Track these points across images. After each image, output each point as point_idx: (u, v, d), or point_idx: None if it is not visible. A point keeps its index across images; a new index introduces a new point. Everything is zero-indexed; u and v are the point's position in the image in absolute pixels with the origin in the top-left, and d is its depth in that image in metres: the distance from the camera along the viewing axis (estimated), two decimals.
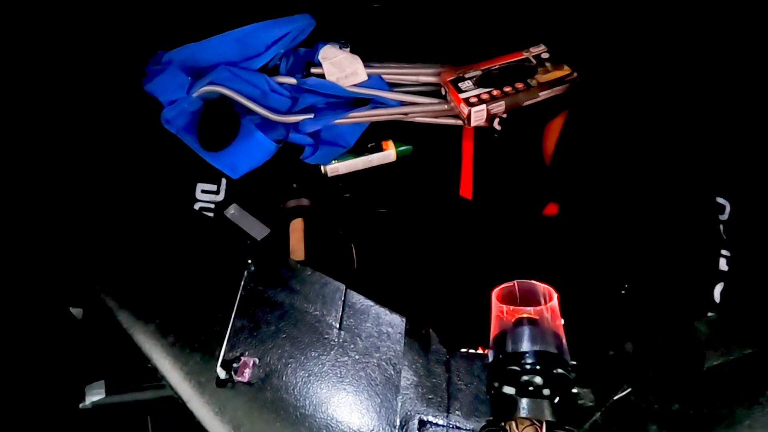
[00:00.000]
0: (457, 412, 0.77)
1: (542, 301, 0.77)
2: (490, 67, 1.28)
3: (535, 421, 0.67)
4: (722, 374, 0.73)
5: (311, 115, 1.23)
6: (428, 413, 0.77)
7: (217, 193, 1.24)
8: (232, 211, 1.21)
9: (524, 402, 0.68)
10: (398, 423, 0.76)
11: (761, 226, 1.16)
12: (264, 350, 0.80)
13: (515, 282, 0.79)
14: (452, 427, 0.76)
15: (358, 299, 0.87)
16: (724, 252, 1.15)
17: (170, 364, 0.81)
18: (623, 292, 1.09)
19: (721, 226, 1.17)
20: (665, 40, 1.21)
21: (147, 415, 0.95)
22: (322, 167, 1.26)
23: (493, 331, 0.77)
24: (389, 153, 1.28)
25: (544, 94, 1.24)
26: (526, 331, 0.72)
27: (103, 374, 0.95)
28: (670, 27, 1.21)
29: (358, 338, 0.83)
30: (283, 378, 0.78)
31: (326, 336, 0.82)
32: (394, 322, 0.86)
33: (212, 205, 1.24)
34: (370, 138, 1.28)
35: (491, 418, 0.71)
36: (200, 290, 0.89)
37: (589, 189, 1.19)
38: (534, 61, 1.28)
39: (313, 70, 1.25)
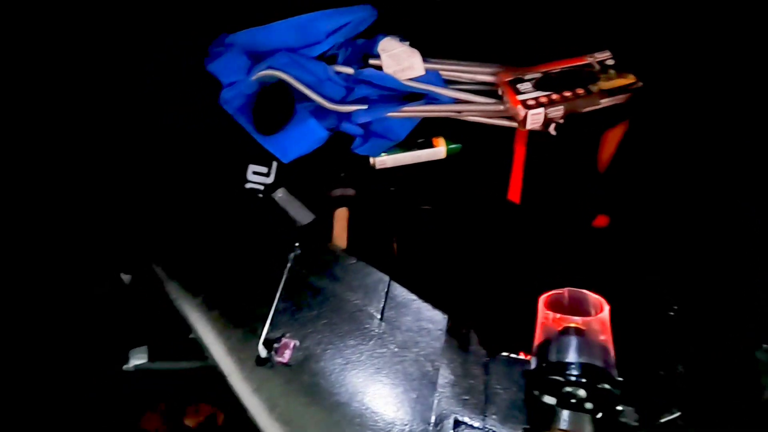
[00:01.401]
0: (493, 416, 0.76)
1: (592, 312, 0.74)
2: (550, 70, 1.25)
3: None
4: None
5: (365, 106, 1.23)
6: (464, 414, 0.76)
7: (267, 175, 1.26)
8: (280, 194, 1.23)
9: (565, 413, 0.66)
10: (433, 420, 0.75)
11: None
12: (304, 334, 0.81)
13: (566, 290, 0.77)
14: (488, 431, 0.75)
15: (400, 292, 0.87)
16: None
17: (213, 338, 0.83)
18: (671, 313, 1.04)
19: None
20: (737, 54, 1.14)
21: (185, 383, 0.99)
22: (370, 159, 1.27)
23: (538, 338, 0.75)
24: (439, 150, 1.27)
25: (605, 102, 1.20)
26: (572, 341, 0.70)
27: (147, 340, 0.99)
28: (742, 41, 1.14)
29: (397, 331, 0.83)
30: (321, 363, 0.79)
31: (366, 326, 0.83)
32: (435, 319, 0.85)
33: (262, 187, 1.26)
34: (421, 133, 1.28)
35: (527, 426, 0.70)
36: (247, 268, 0.91)
37: (643, 203, 1.14)
38: (597, 67, 1.24)
39: (371, 62, 1.25)
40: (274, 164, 1.27)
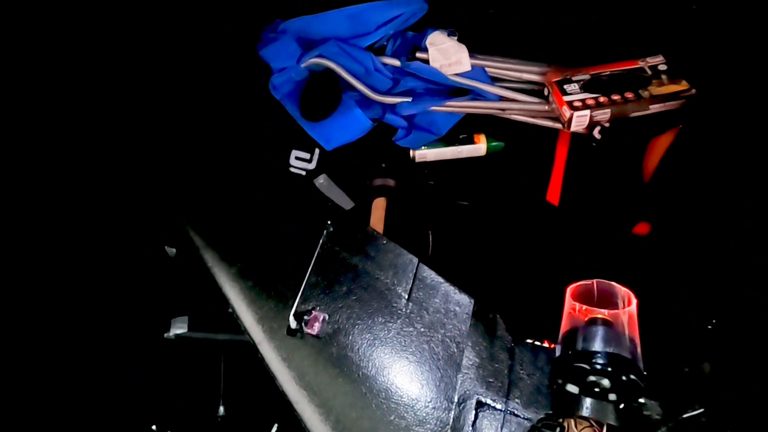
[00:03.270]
0: (516, 400, 0.77)
1: (619, 305, 0.74)
2: (600, 72, 1.23)
3: (594, 423, 0.66)
4: None
5: (409, 99, 1.25)
6: (487, 396, 0.77)
7: (309, 161, 1.30)
8: (321, 180, 1.26)
9: (588, 401, 0.67)
10: (456, 399, 0.77)
11: None
12: (334, 308, 0.84)
13: (594, 281, 0.77)
14: (509, 413, 0.76)
15: (429, 274, 0.89)
16: None
17: (246, 307, 0.86)
18: (710, 327, 1.02)
19: None
20: None
21: (221, 355, 1.03)
22: (411, 151, 1.28)
23: (564, 327, 0.75)
24: (480, 147, 1.28)
25: (654, 108, 1.17)
26: (599, 331, 0.71)
27: (188, 310, 1.03)
28: None
29: (425, 312, 0.84)
30: (350, 337, 0.81)
31: (395, 305, 0.85)
32: (462, 302, 0.86)
33: (303, 173, 1.29)
34: (464, 129, 1.28)
35: (550, 411, 0.71)
36: (282, 243, 0.94)
37: (688, 214, 1.12)
38: (649, 72, 1.22)
39: (419, 55, 1.26)
40: (317, 151, 1.30)
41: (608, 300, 0.75)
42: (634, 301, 0.75)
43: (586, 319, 0.74)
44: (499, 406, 0.77)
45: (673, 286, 1.07)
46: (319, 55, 1.27)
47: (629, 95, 1.18)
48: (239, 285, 0.89)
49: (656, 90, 1.18)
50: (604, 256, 1.14)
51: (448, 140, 1.28)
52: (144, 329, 1.08)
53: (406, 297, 0.86)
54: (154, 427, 1.04)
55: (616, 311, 0.73)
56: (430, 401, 0.76)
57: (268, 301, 0.86)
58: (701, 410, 0.72)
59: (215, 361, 1.06)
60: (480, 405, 0.77)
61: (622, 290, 0.76)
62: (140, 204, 1.22)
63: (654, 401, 0.73)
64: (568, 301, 0.78)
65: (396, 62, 1.28)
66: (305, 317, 0.82)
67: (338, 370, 0.79)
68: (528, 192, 1.25)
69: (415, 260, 0.90)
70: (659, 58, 1.24)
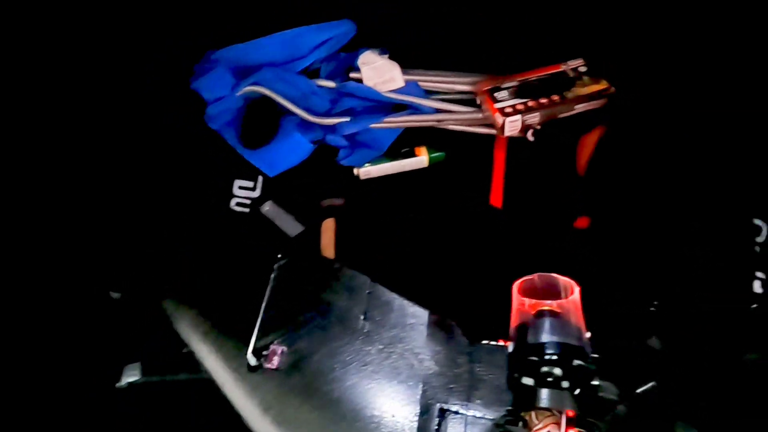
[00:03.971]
0: (477, 402, 0.79)
1: (563, 295, 0.77)
2: (527, 78, 1.29)
3: (555, 412, 0.67)
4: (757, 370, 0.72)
5: (348, 119, 1.26)
6: (449, 402, 0.78)
7: (253, 189, 1.28)
8: (267, 207, 1.25)
9: (544, 392, 0.68)
10: (419, 410, 0.77)
11: None
12: (293, 339, 0.84)
13: (536, 275, 0.80)
14: (472, 416, 0.77)
15: (382, 292, 0.90)
16: (759, 274, 1.12)
17: (207, 350, 0.85)
18: (652, 309, 1.08)
19: (757, 248, 1.15)
20: (704, 56, 1.20)
21: (182, 396, 0.99)
22: (355, 169, 1.29)
23: (513, 322, 0.77)
24: (422, 159, 1.30)
25: (580, 107, 1.24)
26: (546, 322, 0.73)
27: (140, 356, 0.99)
28: (709, 44, 1.20)
29: (382, 329, 0.85)
30: (311, 366, 0.81)
31: (353, 326, 0.85)
32: (417, 314, 0.88)
33: (248, 201, 1.27)
34: (404, 143, 1.30)
35: (510, 408, 0.72)
36: (236, 281, 0.93)
37: (622, 204, 1.18)
38: (572, 74, 1.29)
39: (353, 75, 1.29)
40: (260, 178, 1.29)
41: (552, 292, 0.78)
42: (577, 289, 0.78)
43: (534, 312, 0.76)
44: (462, 411, 0.78)
45: (614, 273, 1.12)
46: (254, 83, 1.26)
47: (556, 98, 1.24)
48: (200, 329, 0.89)
49: (580, 91, 1.25)
50: (550, 252, 1.18)
51: (391, 155, 1.30)
52: (93, 382, 1.02)
53: (363, 317, 0.86)
54: None
55: (561, 301, 0.76)
56: (395, 415, 0.77)
57: (228, 341, 0.86)
58: (653, 384, 0.75)
59: (176, 405, 1.01)
60: (443, 412, 0.78)
61: (563, 280, 0.79)
62: (80, 249, 1.17)
63: (608, 382, 0.76)
64: (516, 297, 0.80)
65: (331, 84, 1.30)
66: (264, 352, 0.82)
67: (303, 399, 0.79)
68: (472, 197, 1.28)
69: (368, 280, 0.91)
70: (579, 61, 1.31)
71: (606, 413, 0.74)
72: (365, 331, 0.85)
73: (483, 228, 1.25)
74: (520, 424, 0.69)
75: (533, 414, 0.68)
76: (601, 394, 0.74)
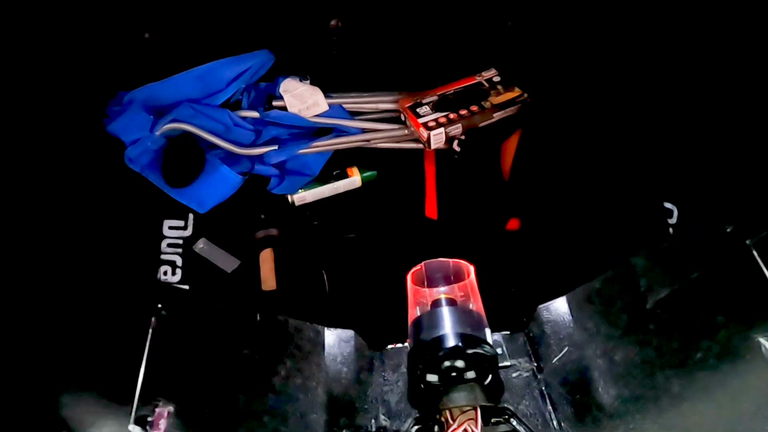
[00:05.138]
0: (382, 416, 0.73)
1: (459, 279, 0.74)
2: (445, 92, 1.34)
3: (469, 408, 0.62)
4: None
5: (275, 147, 1.26)
6: (358, 422, 0.72)
7: (185, 228, 1.24)
8: (201, 245, 1.21)
9: (452, 391, 0.63)
10: None
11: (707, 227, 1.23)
12: (180, 395, 0.71)
13: (423, 263, 0.75)
14: None
15: (271, 320, 0.81)
16: None
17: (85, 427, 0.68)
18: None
19: (671, 229, 1.24)
20: (601, 55, 1.30)
21: None
22: (289, 197, 1.28)
23: (410, 317, 0.72)
24: (354, 179, 1.31)
25: (497, 115, 1.30)
26: (440, 313, 0.67)
27: None
28: (605, 44, 1.30)
29: (277, 361, 0.76)
30: (203, 419, 0.71)
31: (243, 366, 0.75)
32: (313, 334, 0.80)
33: (180, 241, 1.23)
34: (335, 165, 1.31)
35: (419, 416, 0.67)
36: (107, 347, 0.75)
37: (546, 201, 1.24)
38: (486, 85, 1.35)
39: (275, 103, 1.28)
40: (191, 216, 1.25)
41: (446, 278, 0.74)
42: (471, 269, 0.75)
43: (431, 303, 0.72)
44: (371, 429, 0.72)
45: (549, 269, 1.17)
46: (174, 120, 1.23)
47: (474, 108, 1.30)
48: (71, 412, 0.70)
49: (495, 100, 1.32)
50: (487, 256, 1.22)
51: (323, 179, 1.30)
52: None
53: (250, 351, 0.76)
54: None
55: (457, 285, 0.73)
56: None
57: (107, 417, 0.70)
58: (567, 348, 0.74)
59: None
60: None
61: (457, 263, 0.75)
62: None
63: (522, 358, 0.74)
64: (410, 288, 0.75)
65: (254, 114, 1.29)
66: (149, 419, 0.68)
67: None
68: (408, 212, 1.31)
69: (252, 314, 0.81)
70: (492, 71, 1.38)
71: (522, 393, 0.71)
72: (257, 367, 0.75)
73: (422, 240, 1.27)
74: (436, 428, 0.64)
75: (447, 413, 0.63)
76: (515, 374, 0.72)
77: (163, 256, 1.21)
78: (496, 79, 1.36)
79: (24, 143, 1.17)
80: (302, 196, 1.29)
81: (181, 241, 1.23)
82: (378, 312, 1.05)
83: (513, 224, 1.26)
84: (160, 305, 0.76)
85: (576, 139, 1.23)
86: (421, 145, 1.32)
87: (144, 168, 1.23)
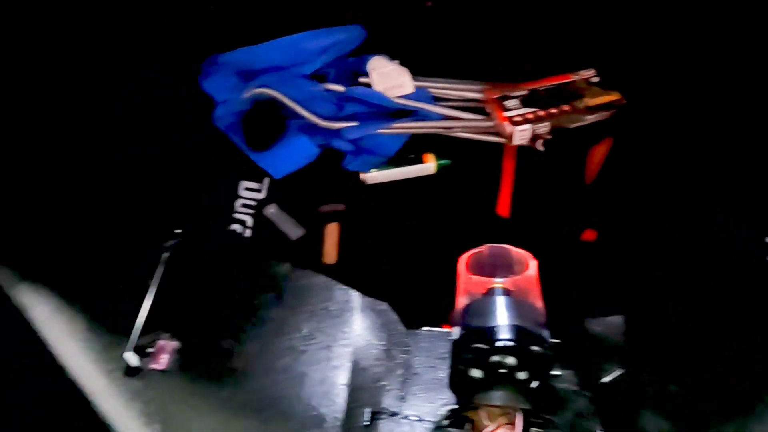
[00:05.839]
0: (414, 401, 0.68)
1: (518, 270, 0.67)
2: (537, 87, 1.28)
3: (509, 410, 0.57)
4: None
5: (355, 123, 1.26)
6: (382, 402, 0.67)
7: (259, 191, 1.28)
8: (272, 209, 1.24)
9: (495, 388, 0.58)
10: (346, 413, 0.65)
11: None
12: (187, 331, 0.69)
13: (486, 246, 0.69)
14: (407, 418, 0.66)
15: (302, 274, 0.78)
16: None
17: (70, 347, 0.67)
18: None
19: None
20: (718, 69, 1.18)
21: None
22: (361, 174, 1.28)
23: (459, 304, 0.66)
24: (429, 165, 1.29)
25: (590, 118, 1.22)
26: (497, 302, 0.61)
27: None
28: (724, 57, 1.18)
29: (301, 315, 0.72)
30: (211, 362, 0.67)
31: (263, 314, 0.72)
32: (345, 298, 0.75)
33: (254, 203, 1.27)
34: (411, 149, 1.29)
35: (455, 407, 0.62)
36: (114, 267, 0.76)
37: (630, 216, 1.16)
38: (582, 85, 1.27)
39: (361, 80, 1.28)
40: (266, 180, 1.28)
41: (505, 267, 0.68)
42: (533, 263, 0.68)
43: (484, 292, 0.65)
44: (396, 411, 0.67)
45: (621, 285, 1.09)
46: (261, 85, 1.26)
47: (566, 107, 1.23)
48: (61, 321, 0.70)
49: (590, 101, 1.24)
50: (556, 264, 1.16)
51: (397, 161, 1.29)
52: None
53: (276, 304, 0.73)
54: None
55: (515, 278, 0.66)
56: (316, 415, 0.64)
57: (100, 336, 0.68)
58: (621, 372, 0.67)
59: None
60: (376, 414, 0.66)
61: (517, 252, 0.69)
62: None
63: (569, 370, 0.67)
64: (463, 274, 0.69)
65: (339, 88, 1.29)
66: (148, 350, 0.65)
67: (199, 403, 0.63)
68: (479, 206, 1.27)
69: (285, 263, 0.78)
70: (591, 71, 1.30)
71: (567, 408, 0.65)
72: (281, 318, 0.71)
73: (489, 237, 1.23)
74: (466, 425, 0.59)
75: (482, 413, 0.57)
76: (561, 385, 0.65)
77: (235, 215, 1.26)
78: (594, 79, 1.28)
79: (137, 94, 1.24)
80: (374, 176, 1.28)
81: (254, 203, 1.27)
82: (425, 295, 1.01)
83: (589, 235, 1.19)
84: (178, 231, 0.74)
85: (675, 153, 1.13)
86: (502, 140, 1.27)
87: (228, 128, 1.27)
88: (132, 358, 0.65)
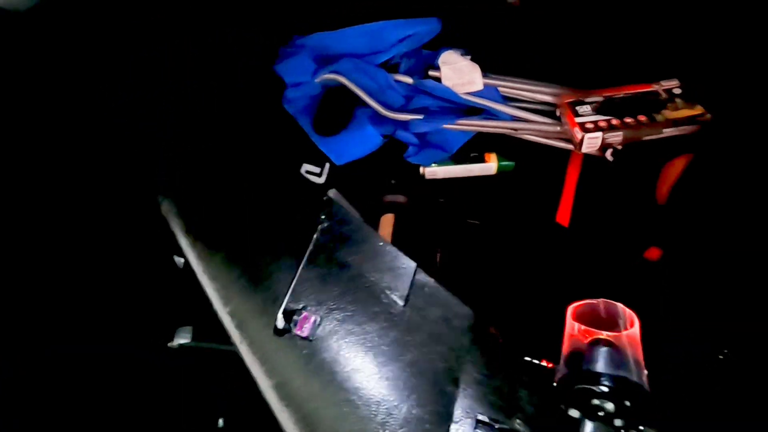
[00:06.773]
0: (517, 421, 0.73)
1: (622, 326, 0.72)
2: (613, 94, 1.22)
3: None
4: None
5: (421, 116, 1.25)
6: (487, 414, 0.73)
7: (319, 175, 1.30)
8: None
9: (590, 426, 0.64)
10: (454, 418, 0.72)
11: None
12: (326, 309, 0.76)
13: (600, 300, 0.74)
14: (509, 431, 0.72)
15: (428, 281, 0.83)
16: None
17: (228, 299, 0.78)
18: (721, 357, 1.00)
19: None
20: None
21: (223, 365, 1.01)
22: (421, 168, 1.28)
23: (566, 348, 0.72)
24: (490, 165, 1.27)
25: (668, 131, 1.16)
26: (604, 352, 0.67)
27: (194, 320, 1.03)
28: None
29: (423, 320, 0.78)
30: (343, 343, 0.74)
31: (391, 310, 0.78)
32: (463, 314, 0.81)
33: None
34: (475, 148, 1.28)
35: None
36: (273, 234, 0.86)
37: (701, 240, 1.09)
38: (664, 96, 1.21)
39: (431, 73, 1.27)
40: (327, 165, 1.31)
41: (609, 322, 0.73)
42: (637, 322, 0.72)
43: (588, 340, 0.71)
44: (498, 425, 0.72)
45: (682, 313, 1.05)
46: (334, 71, 1.28)
47: (642, 118, 1.17)
48: (222, 275, 0.81)
49: (670, 114, 1.17)
50: (613, 280, 1.12)
51: (459, 158, 1.28)
52: (147, 338, 1.08)
53: (403, 303, 0.79)
54: None
55: (618, 333, 0.71)
56: (425, 418, 0.71)
57: (255, 295, 0.78)
58: None
59: (218, 373, 1.05)
60: (479, 423, 0.72)
61: (624, 311, 0.73)
62: (148, 211, 1.22)
63: (653, 430, 0.70)
64: (569, 322, 0.75)
65: (409, 80, 1.29)
66: (295, 317, 0.74)
67: (329, 378, 0.72)
68: (538, 213, 1.24)
69: (413, 265, 0.84)
70: (674, 82, 1.23)
71: None
72: (405, 319, 0.77)
73: (545, 245, 1.20)
74: None
75: None
76: None
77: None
78: (677, 91, 1.21)
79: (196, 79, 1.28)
80: (434, 171, 1.28)
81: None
82: (472, 295, 1.01)
83: (653, 253, 1.14)
84: (323, 216, 0.85)
85: (760, 178, 1.06)
86: (570, 146, 1.23)
87: (297, 111, 1.30)
88: (281, 320, 0.75)
